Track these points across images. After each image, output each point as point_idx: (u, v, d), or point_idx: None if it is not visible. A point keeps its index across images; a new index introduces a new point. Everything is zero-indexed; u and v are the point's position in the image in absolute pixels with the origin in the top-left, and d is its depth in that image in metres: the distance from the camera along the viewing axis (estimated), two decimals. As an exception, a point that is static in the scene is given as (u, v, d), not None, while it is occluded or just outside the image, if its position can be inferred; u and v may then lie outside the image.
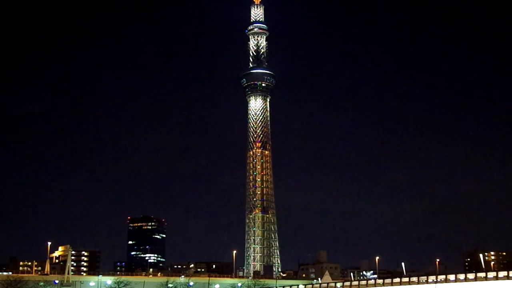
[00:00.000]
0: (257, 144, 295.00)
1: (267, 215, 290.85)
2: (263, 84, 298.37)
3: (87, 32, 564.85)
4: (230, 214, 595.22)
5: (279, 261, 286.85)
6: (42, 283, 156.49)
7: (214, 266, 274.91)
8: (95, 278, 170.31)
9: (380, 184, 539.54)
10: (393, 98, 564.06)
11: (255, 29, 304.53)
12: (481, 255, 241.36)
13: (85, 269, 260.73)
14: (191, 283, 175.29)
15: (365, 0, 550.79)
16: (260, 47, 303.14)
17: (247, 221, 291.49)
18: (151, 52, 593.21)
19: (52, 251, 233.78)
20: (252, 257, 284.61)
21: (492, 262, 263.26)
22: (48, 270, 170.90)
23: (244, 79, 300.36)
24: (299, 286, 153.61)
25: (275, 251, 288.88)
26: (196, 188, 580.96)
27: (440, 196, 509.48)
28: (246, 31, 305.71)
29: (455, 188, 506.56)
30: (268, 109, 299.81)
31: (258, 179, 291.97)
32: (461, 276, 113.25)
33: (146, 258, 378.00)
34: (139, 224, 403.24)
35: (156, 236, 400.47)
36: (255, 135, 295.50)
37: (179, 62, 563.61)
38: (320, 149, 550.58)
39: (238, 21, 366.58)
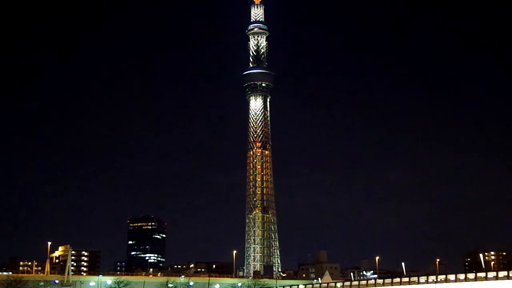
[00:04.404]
0: (257, 144, 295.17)
1: (267, 215, 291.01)
2: (263, 84, 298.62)
3: (86, 30, 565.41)
4: (230, 214, 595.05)
5: (279, 261, 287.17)
6: (42, 283, 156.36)
7: (214, 266, 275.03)
8: (95, 278, 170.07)
9: (380, 184, 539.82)
10: (395, 98, 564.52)
11: (255, 29, 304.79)
12: (481, 255, 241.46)
13: (85, 269, 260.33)
14: (191, 283, 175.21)
15: (366, 0, 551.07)
16: (260, 47, 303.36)
17: (247, 221, 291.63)
18: (151, 51, 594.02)
19: (52, 251, 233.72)
20: (252, 257, 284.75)
21: (492, 262, 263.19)
22: (48, 270, 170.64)
23: (244, 79, 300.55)
24: (299, 286, 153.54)
25: (275, 251, 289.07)
26: (196, 188, 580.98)
27: (440, 196, 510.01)
28: (246, 31, 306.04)
29: (455, 188, 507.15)
30: (268, 109, 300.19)
31: (258, 179, 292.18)
32: (461, 276, 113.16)
33: (146, 258, 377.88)
34: (139, 224, 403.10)
35: (156, 236, 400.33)
36: (255, 135, 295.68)
37: (179, 62, 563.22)
38: (320, 149, 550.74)
39: (238, 21, 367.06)
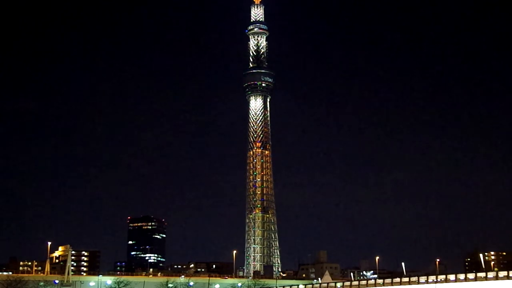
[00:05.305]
0: (257, 144, 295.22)
1: (267, 215, 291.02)
2: (263, 84, 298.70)
3: (86, 31, 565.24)
4: (230, 214, 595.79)
5: (279, 261, 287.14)
6: (42, 283, 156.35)
7: (214, 266, 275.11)
8: (95, 278, 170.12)
9: (380, 184, 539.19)
10: (395, 98, 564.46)
11: (255, 29, 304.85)
12: (481, 255, 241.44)
13: (85, 269, 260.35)
14: (191, 283, 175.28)
15: (366, 0, 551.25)
16: (260, 47, 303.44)
17: (247, 221, 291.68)
18: (151, 51, 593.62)
19: (52, 251, 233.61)
20: (252, 257, 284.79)
21: (492, 262, 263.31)
22: (48, 270, 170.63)
23: (244, 79, 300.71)
24: (299, 286, 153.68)
25: (275, 251, 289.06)
26: (196, 188, 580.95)
27: (440, 196, 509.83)
28: (246, 31, 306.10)
29: (455, 188, 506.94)
30: (268, 109, 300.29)
31: (258, 179, 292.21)
32: (461, 276, 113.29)
33: (146, 258, 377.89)
34: (139, 224, 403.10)
35: (156, 236, 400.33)
36: (255, 135, 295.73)
37: (179, 62, 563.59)
38: (320, 149, 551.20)
39: (238, 21, 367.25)
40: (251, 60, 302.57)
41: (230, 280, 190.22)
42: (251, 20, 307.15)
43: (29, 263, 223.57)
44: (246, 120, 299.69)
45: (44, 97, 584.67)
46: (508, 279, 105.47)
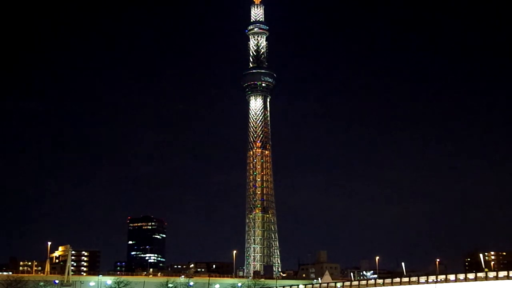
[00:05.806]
0: (257, 144, 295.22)
1: (267, 215, 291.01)
2: (263, 84, 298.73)
3: (88, 30, 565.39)
4: (230, 214, 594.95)
5: (279, 261, 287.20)
6: (42, 283, 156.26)
7: (214, 266, 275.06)
8: (95, 278, 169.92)
9: (380, 184, 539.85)
10: (395, 98, 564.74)
11: (255, 29, 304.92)
12: (481, 255, 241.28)
13: (85, 269, 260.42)
14: (191, 283, 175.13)
15: (365, 1, 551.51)
16: (260, 47, 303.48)
17: (247, 221, 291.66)
18: (151, 51, 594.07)
19: (52, 251, 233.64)
20: (252, 257, 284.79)
21: (492, 262, 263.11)
22: (48, 270, 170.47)
23: (244, 79, 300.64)
24: (299, 286, 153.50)
25: (275, 251, 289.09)
26: (196, 188, 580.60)
27: (440, 196, 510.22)
28: (246, 31, 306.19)
29: (455, 188, 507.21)
30: (268, 109, 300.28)
31: (258, 179, 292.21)
32: (461, 276, 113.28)
33: (146, 258, 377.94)
34: (139, 224, 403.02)
35: (156, 236, 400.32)
36: (255, 135, 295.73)
37: (179, 62, 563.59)
38: (320, 149, 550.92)
39: (238, 21, 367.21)
40: (251, 60, 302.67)
41: (230, 280, 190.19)
42: (251, 20, 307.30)
43: (29, 263, 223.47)
44: (246, 120, 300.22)
45: (44, 97, 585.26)
46: (508, 279, 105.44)
